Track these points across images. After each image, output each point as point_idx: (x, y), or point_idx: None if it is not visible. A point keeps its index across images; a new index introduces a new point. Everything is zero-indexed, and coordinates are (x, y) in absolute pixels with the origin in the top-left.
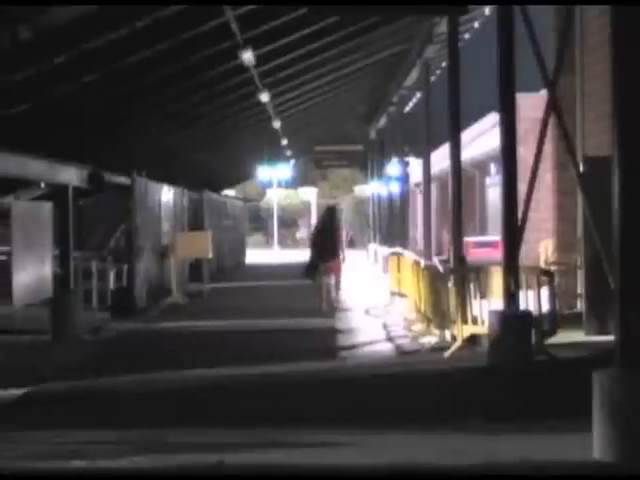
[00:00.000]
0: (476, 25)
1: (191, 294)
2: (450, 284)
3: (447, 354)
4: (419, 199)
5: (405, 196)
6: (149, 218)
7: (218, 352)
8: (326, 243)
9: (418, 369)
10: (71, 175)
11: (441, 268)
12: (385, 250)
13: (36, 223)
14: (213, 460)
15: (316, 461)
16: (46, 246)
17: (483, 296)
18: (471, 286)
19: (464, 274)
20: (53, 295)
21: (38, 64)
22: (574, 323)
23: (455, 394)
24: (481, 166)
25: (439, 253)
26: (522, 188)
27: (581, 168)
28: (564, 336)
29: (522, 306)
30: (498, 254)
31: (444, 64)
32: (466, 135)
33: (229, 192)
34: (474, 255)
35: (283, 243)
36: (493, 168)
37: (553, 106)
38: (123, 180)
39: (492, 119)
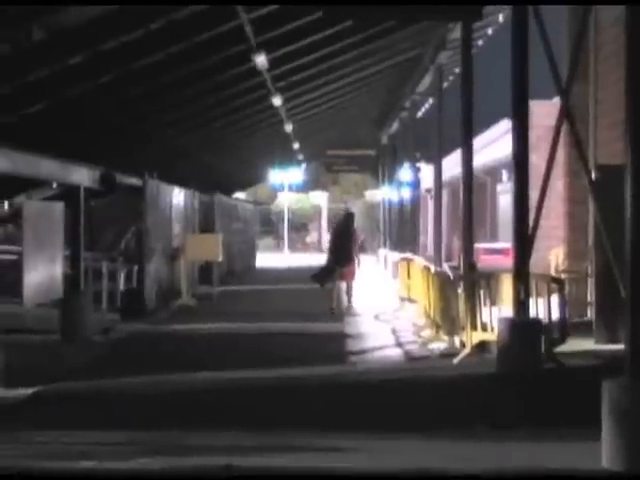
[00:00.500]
0: (489, 32)
1: (201, 296)
2: (460, 290)
3: (456, 360)
4: (430, 205)
5: (416, 202)
6: (160, 220)
7: (227, 355)
8: (344, 248)
9: (427, 375)
10: (83, 176)
11: (451, 274)
12: (395, 255)
13: (47, 223)
14: (222, 463)
15: (325, 465)
16: (57, 246)
17: (493, 303)
18: (481, 293)
19: (474, 280)
20: (63, 295)
21: (52, 64)
22: (584, 331)
23: (464, 400)
24: (492, 173)
25: (449, 259)
26: (533, 195)
27: (593, 176)
28: (574, 344)
29: (532, 313)
30: (508, 261)
31: (457, 70)
32: (478, 141)
33: (240, 195)
34: (484, 262)
35: (293, 247)
36: (505, 175)
37: (566, 114)
38: (135, 181)
39: (504, 126)
